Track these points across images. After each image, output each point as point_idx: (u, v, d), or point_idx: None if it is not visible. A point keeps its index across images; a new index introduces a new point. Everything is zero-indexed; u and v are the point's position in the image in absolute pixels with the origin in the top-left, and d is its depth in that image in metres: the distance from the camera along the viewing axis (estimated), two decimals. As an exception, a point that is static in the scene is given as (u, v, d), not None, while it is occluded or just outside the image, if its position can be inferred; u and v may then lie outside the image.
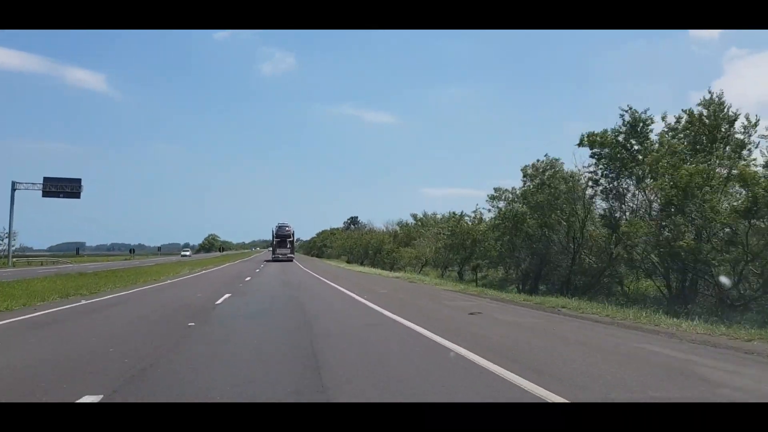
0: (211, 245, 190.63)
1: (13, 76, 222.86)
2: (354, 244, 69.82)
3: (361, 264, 59.61)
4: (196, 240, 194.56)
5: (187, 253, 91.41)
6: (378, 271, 35.88)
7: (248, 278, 26.77)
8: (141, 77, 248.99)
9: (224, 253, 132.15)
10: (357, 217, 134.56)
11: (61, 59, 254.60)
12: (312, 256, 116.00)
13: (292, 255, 62.46)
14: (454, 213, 36.64)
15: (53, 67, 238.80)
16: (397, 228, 61.02)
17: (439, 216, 55.40)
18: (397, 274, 31.09)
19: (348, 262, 67.44)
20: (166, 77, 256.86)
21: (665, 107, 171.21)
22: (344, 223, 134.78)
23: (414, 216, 57.46)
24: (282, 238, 61.77)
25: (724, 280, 15.07)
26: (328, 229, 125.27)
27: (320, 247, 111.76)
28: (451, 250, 35.39)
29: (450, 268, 38.45)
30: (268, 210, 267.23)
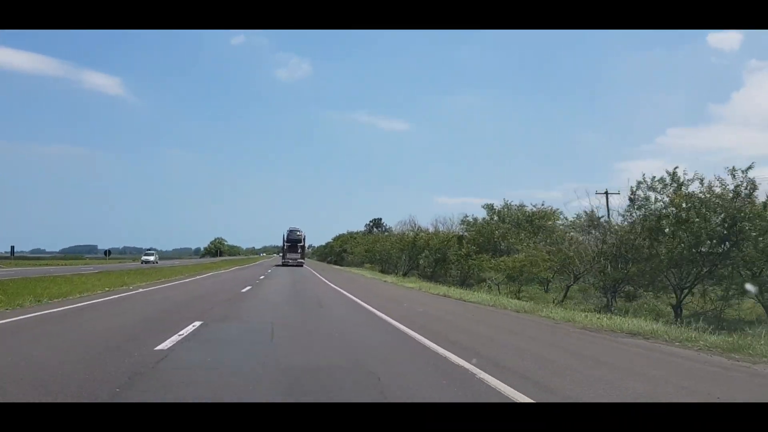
0: (217, 250, 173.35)
1: (31, 78, 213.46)
2: (390, 249, 51.10)
3: (405, 275, 41.01)
4: (206, 244, 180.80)
5: (151, 258, 67.26)
6: (493, 299, 16.86)
7: (165, 345, 8.07)
8: (156, 81, 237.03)
9: (222, 258, 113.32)
10: (381, 219, 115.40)
11: (80, 62, 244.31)
12: (329, 262, 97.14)
13: (302, 260, 59.59)
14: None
15: (72, 71, 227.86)
16: (463, 226, 41.50)
17: (529, 207, 36.51)
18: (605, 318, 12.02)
19: (383, 272, 48.81)
20: (182, 82, 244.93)
21: (684, 118, 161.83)
22: (366, 225, 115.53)
23: (489, 207, 38.15)
24: (293, 242, 58.78)
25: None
26: (346, 232, 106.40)
27: (339, 252, 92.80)
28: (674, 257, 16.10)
29: (610, 294, 19.54)
30: (280, 216, 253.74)
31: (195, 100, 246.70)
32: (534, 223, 32.65)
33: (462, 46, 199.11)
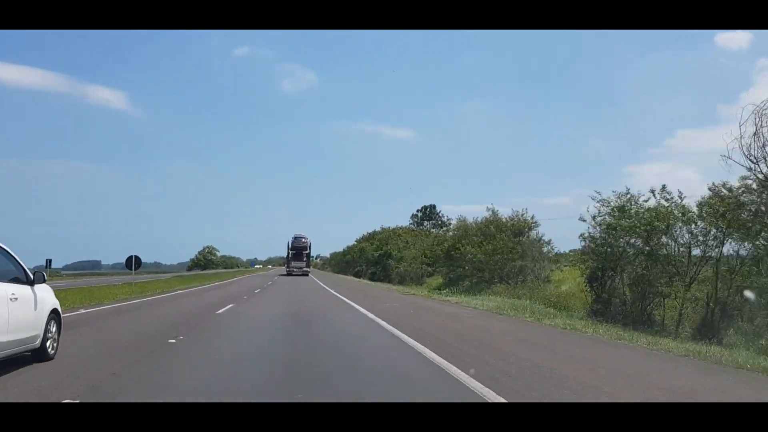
0: (207, 261, 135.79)
1: (35, 95, 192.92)
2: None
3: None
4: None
5: None
6: None
7: None
8: (161, 95, 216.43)
9: (172, 275, 75.43)
10: (434, 206, 79.01)
11: (84, 77, 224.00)
12: (356, 275, 60.16)
13: (308, 269, 55.92)
14: None
15: (76, 86, 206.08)
16: None
17: None
18: None
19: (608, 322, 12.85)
20: (186, 94, 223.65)
21: (692, 119, 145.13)
22: (412, 217, 78.20)
23: None
24: (297, 250, 55.26)
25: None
26: (380, 229, 69.28)
27: (379, 259, 55.32)
28: None
29: None
30: (286, 227, 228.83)
31: (200, 113, 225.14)
32: None
33: (466, 53, 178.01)
